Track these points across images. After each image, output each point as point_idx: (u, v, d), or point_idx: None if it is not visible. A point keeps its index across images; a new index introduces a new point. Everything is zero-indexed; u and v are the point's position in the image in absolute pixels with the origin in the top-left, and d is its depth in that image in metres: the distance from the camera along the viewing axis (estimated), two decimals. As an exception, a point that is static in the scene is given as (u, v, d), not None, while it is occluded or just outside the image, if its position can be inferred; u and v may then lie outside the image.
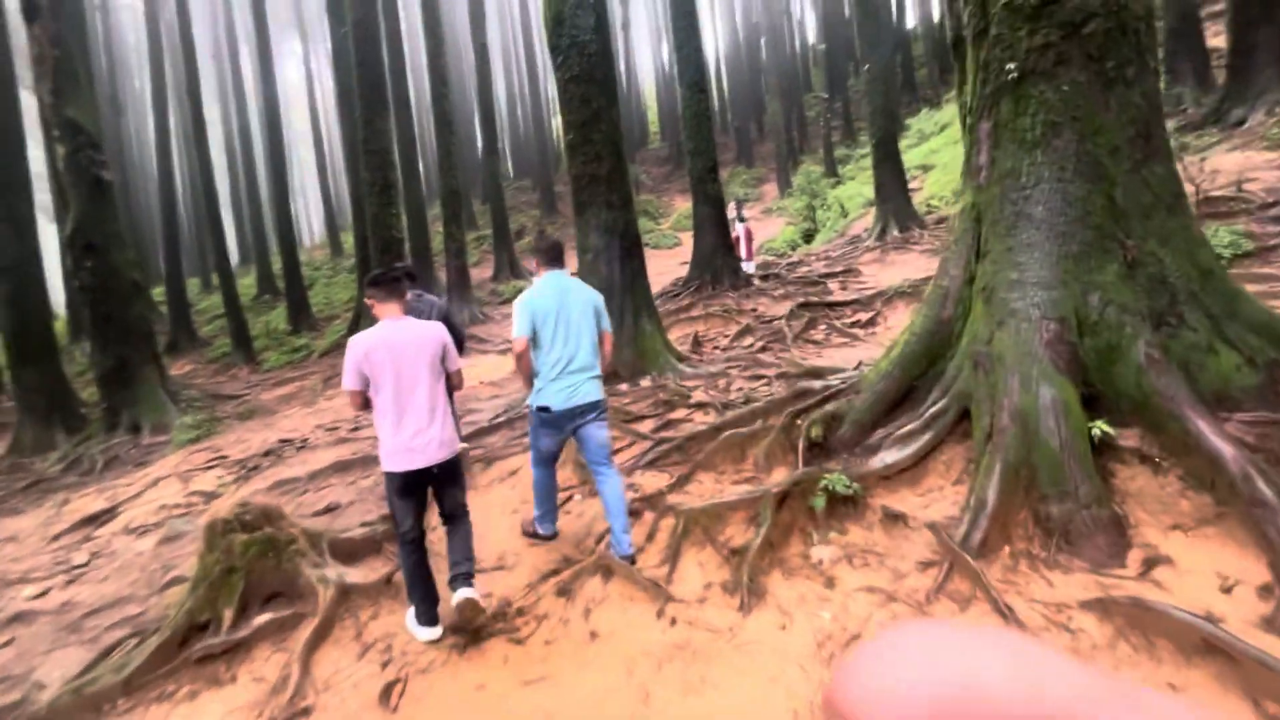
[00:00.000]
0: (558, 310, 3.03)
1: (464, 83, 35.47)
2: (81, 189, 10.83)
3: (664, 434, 4.49)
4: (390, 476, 2.69)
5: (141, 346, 11.42)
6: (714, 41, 41.68)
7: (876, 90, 15.36)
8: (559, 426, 3.09)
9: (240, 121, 29.10)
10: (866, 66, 15.38)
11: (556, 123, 43.94)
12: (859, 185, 25.22)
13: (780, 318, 8.46)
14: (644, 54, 49.51)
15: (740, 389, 5.23)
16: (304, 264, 24.53)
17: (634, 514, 3.45)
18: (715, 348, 7.58)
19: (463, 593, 2.72)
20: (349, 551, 3.30)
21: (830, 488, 2.77)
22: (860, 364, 4.50)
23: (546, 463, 3.26)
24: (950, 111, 26.04)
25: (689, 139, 11.78)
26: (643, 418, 4.97)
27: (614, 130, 6.34)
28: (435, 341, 2.77)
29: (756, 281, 11.97)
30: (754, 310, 9.36)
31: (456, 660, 2.57)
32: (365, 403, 2.72)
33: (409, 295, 3.33)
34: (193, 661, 2.65)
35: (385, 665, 2.59)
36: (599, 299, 3.27)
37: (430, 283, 15.58)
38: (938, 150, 23.32)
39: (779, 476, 3.32)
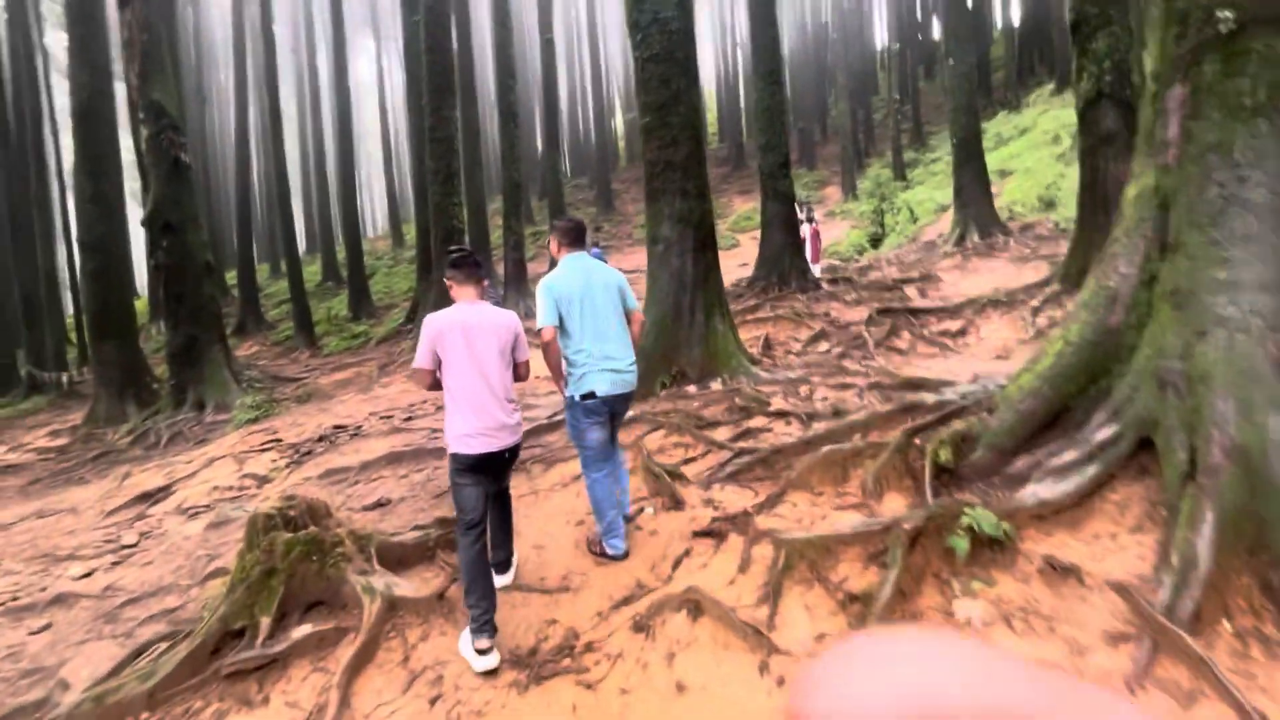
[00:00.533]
0: (583, 294, 2.90)
1: (526, 79, 35.70)
2: (161, 169, 11.13)
3: (744, 444, 4.02)
4: (458, 459, 2.59)
5: (210, 326, 11.67)
6: (781, 40, 40.65)
7: (961, 88, 14.46)
8: (604, 413, 2.94)
9: (314, 115, 30.02)
10: (951, 61, 14.49)
11: (616, 122, 43.87)
12: (929, 190, 24.08)
13: (857, 323, 7.85)
14: (704, 50, 48.89)
15: (825, 398, 4.71)
16: (366, 254, 25.10)
17: (717, 535, 3.01)
18: (788, 352, 7.05)
19: (498, 580, 2.74)
20: (399, 558, 2.97)
21: (976, 527, 2.25)
22: (977, 376, 3.92)
23: (601, 460, 2.99)
24: (1030, 116, 24.53)
25: (761, 132, 11.24)
26: (717, 424, 4.52)
27: (693, 114, 5.90)
28: (509, 329, 2.71)
29: (825, 285, 11.34)
30: (826, 314, 8.76)
31: (517, 702, 2.18)
32: (435, 383, 2.65)
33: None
34: (223, 675, 2.35)
35: (434, 702, 2.22)
36: (622, 278, 3.12)
37: (489, 275, 15.51)
38: (1018, 155, 21.98)
39: (893, 505, 2.81)
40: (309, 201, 35.84)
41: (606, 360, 2.90)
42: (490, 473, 2.67)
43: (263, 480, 5.54)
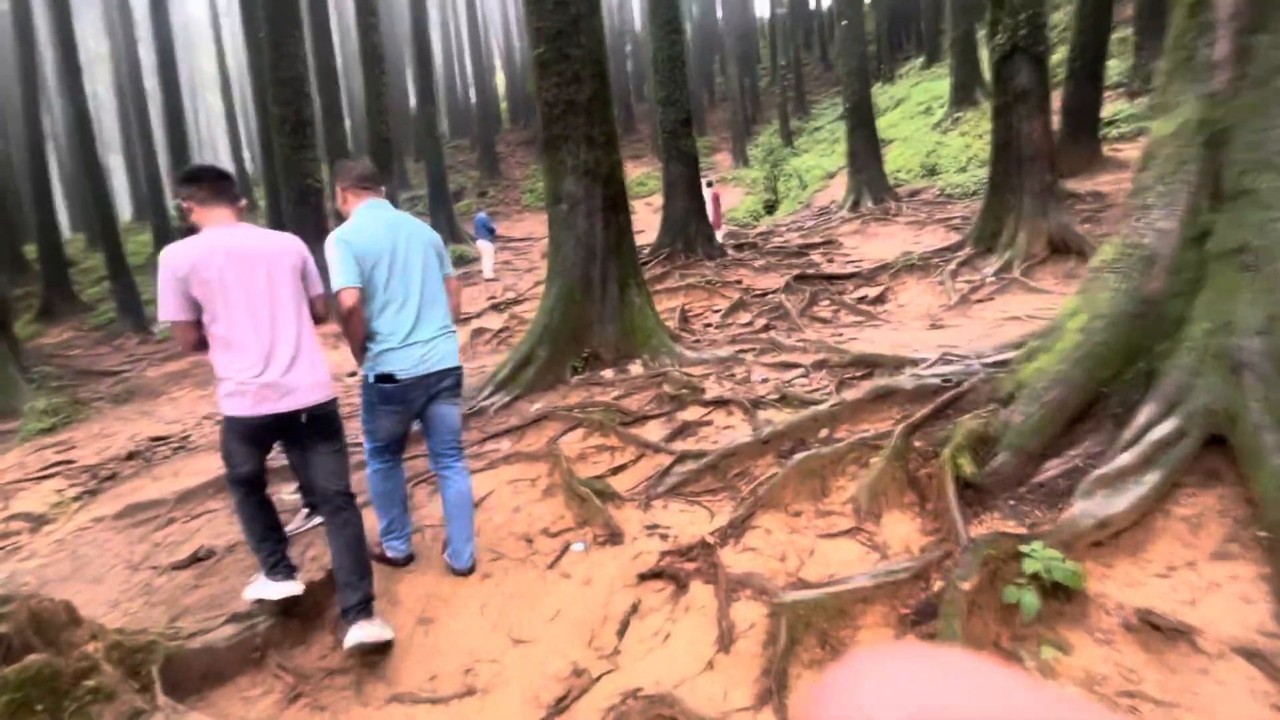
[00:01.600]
0: (391, 250, 2.34)
1: (393, 29, 32.25)
2: (-112, 107, 8.39)
3: (684, 445, 3.30)
4: (232, 423, 2.07)
5: (-17, 311, 9.19)
6: None
7: (852, 51, 14.43)
8: (406, 401, 2.40)
9: (130, 57, 25.26)
10: (844, 23, 14.37)
11: (500, 80, 41.07)
12: (816, 157, 24.70)
13: (773, 291, 7.39)
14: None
15: (765, 380, 4.10)
16: (208, 220, 21.57)
17: (673, 579, 2.27)
18: (707, 325, 6.42)
19: (359, 632, 1.99)
20: (206, 671, 1.95)
21: (1044, 573, 1.66)
22: (945, 352, 3.43)
23: (390, 451, 2.49)
24: (904, 87, 25.64)
25: (660, 86, 10.41)
26: (645, 418, 3.76)
27: (597, 45, 4.97)
28: (293, 252, 2.19)
29: (730, 251, 10.90)
30: (739, 283, 8.25)
31: None
32: (200, 341, 2.07)
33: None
34: None
35: None
36: (437, 237, 2.58)
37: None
38: (895, 124, 22.89)
39: (898, 530, 2.20)
40: (133, 159, 30.46)
41: (416, 333, 2.36)
42: (276, 438, 2.19)
43: (38, 522, 4.09)
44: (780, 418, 3.46)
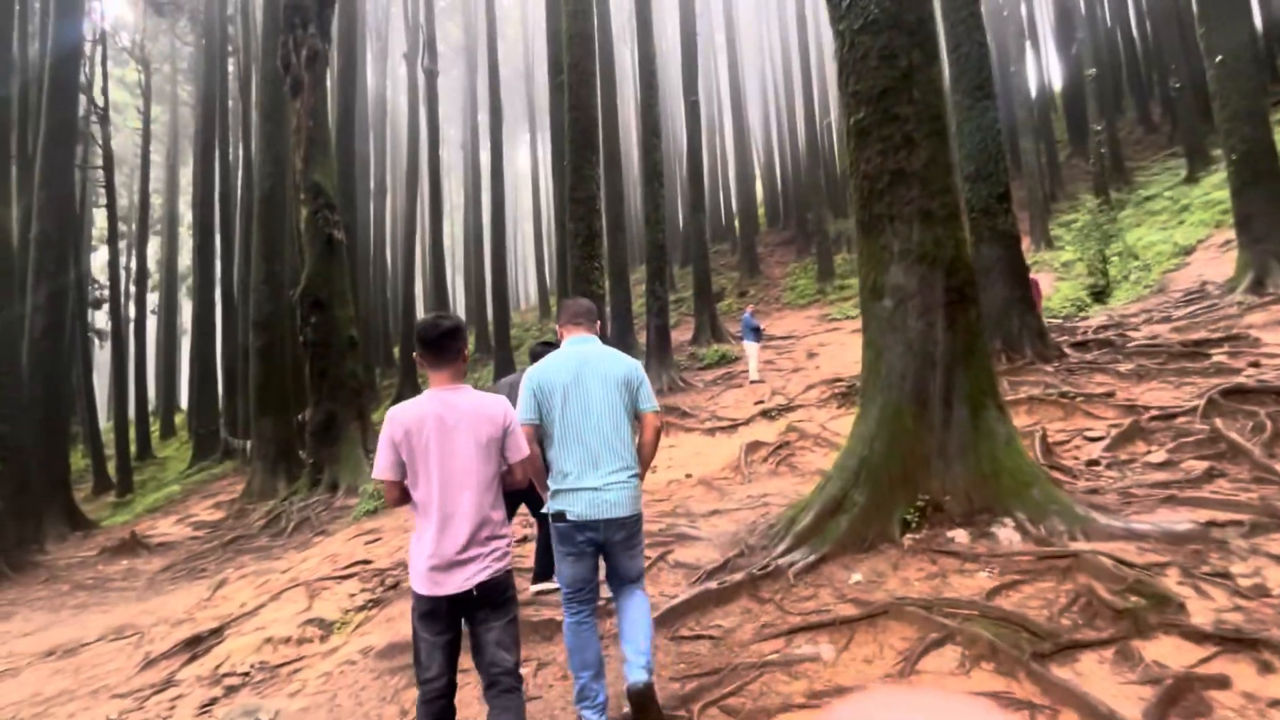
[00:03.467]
0: (571, 382, 2.31)
1: (668, 148, 35.86)
2: (316, 247, 11.17)
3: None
4: (417, 601, 1.99)
5: (349, 403, 11.29)
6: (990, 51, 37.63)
7: (1233, 89, 11.09)
8: (579, 543, 2.27)
9: (475, 200, 32.09)
10: (1219, 59, 11.15)
11: (758, 185, 42.75)
12: (1154, 232, 19.80)
13: (1181, 411, 5.05)
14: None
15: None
16: (515, 325, 25.41)
17: None
18: (1089, 462, 4.45)
19: None
20: None
21: None
22: None
23: (579, 599, 2.31)
24: (1291, 132, 19.41)
25: (969, 160, 8.84)
26: (1073, 646, 2.21)
27: (935, 99, 3.89)
28: (494, 420, 2.05)
29: (1068, 350, 8.41)
30: (1109, 395, 5.97)
31: None
32: (404, 496, 2.04)
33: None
34: None
35: None
36: (634, 368, 2.43)
37: (631, 345, 14.19)
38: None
39: None
40: (469, 277, 38.20)
41: (590, 473, 2.27)
42: (459, 618, 1.98)
43: (328, 630, 4.07)
44: None
